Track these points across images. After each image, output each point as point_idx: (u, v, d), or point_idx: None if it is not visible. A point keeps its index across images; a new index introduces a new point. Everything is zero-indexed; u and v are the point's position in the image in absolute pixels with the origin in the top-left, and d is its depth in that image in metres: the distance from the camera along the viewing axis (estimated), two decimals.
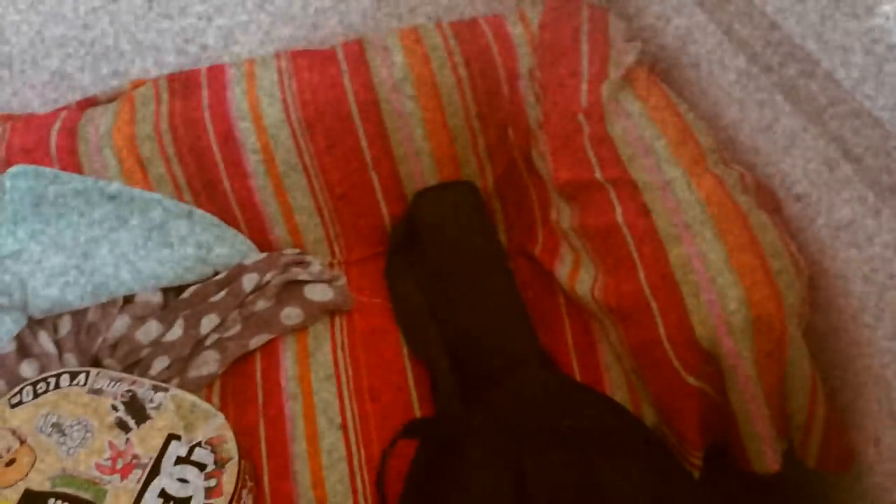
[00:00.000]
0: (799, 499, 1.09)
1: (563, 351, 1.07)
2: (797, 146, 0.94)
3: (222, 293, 1.17)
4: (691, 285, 0.88)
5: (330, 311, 1.17)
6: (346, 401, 1.04)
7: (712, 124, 1.11)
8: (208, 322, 1.12)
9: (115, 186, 1.19)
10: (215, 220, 1.22)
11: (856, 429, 0.95)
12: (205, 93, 1.22)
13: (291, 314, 1.14)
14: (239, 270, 1.19)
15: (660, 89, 1.12)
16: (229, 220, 1.24)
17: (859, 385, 0.92)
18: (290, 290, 1.17)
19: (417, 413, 1.03)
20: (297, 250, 1.25)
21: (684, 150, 0.99)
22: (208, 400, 1.07)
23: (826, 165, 0.89)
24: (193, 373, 1.09)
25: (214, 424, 0.97)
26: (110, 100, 1.30)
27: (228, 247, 1.22)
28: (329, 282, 1.20)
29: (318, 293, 1.17)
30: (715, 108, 1.11)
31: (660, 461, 0.95)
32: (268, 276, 1.18)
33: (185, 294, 1.17)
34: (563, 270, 1.08)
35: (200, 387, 1.09)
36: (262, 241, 1.25)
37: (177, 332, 1.12)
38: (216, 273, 1.20)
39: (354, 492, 0.97)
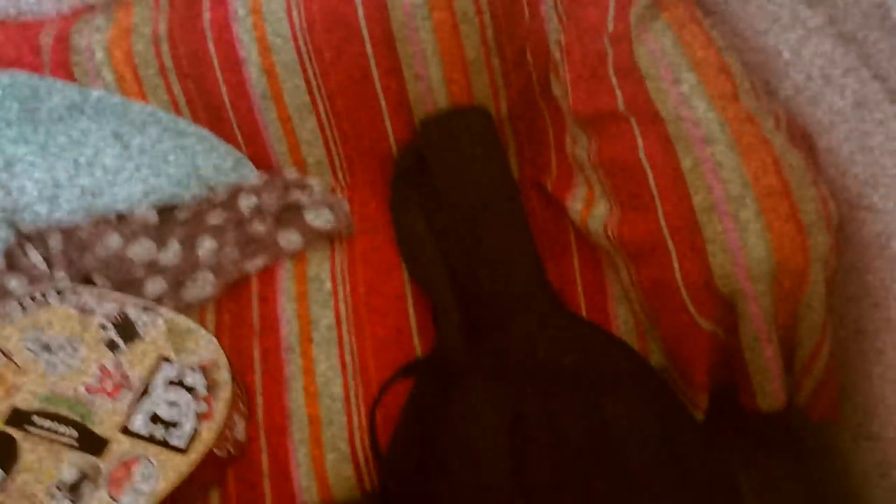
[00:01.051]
0: (797, 444, 1.07)
1: (571, 287, 1.03)
2: (835, 82, 0.88)
3: (220, 215, 1.12)
4: (714, 228, 0.84)
5: (330, 237, 1.12)
6: (344, 329, 1.01)
7: (747, 55, 1.04)
8: (205, 245, 1.08)
9: (109, 99, 1.14)
10: (213, 137, 1.17)
11: (860, 379, 0.93)
12: (206, 3, 1.16)
13: (290, 238, 1.10)
14: (237, 191, 1.14)
15: (693, 15, 1.04)
16: (228, 137, 1.18)
17: (877, 338, 0.88)
18: (290, 213, 1.13)
19: (417, 345, 1.00)
20: (298, 172, 1.20)
21: (716, 83, 0.92)
22: (202, 323, 1.04)
23: (864, 105, 0.83)
24: (188, 295, 1.06)
25: (207, 348, 0.94)
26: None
27: (226, 166, 1.16)
28: (330, 206, 1.15)
29: (319, 218, 1.12)
30: (752, 36, 1.04)
31: (665, 402, 0.93)
32: (267, 199, 1.13)
33: (180, 213, 1.13)
34: (575, 204, 1.04)
35: (195, 309, 1.06)
36: (261, 160, 1.20)
37: (172, 253, 1.08)
38: (213, 193, 1.15)
39: (350, 422, 0.94)
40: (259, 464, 0.93)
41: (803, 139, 0.94)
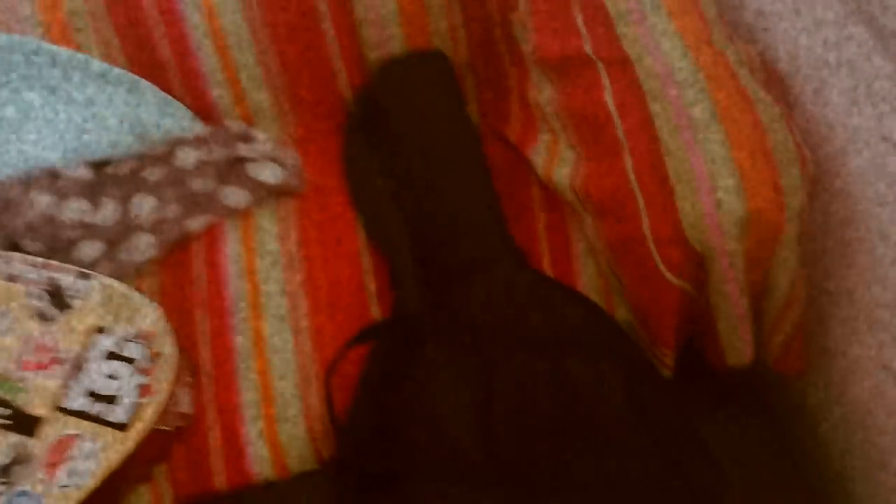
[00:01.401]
0: (764, 400, 1.05)
1: (535, 243, 0.99)
2: (807, 15, 0.83)
3: (159, 171, 1.04)
4: (685, 180, 0.79)
5: (279, 194, 1.05)
6: (297, 293, 0.95)
7: None
8: (143, 203, 1.01)
9: (36, 44, 1.04)
10: (150, 86, 1.08)
11: (827, 336, 0.91)
12: None
13: (235, 195, 1.03)
14: (176, 144, 1.06)
15: None
16: (166, 86, 1.09)
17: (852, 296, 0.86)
18: (235, 168, 1.05)
19: (375, 307, 0.95)
20: (243, 124, 1.12)
21: (687, 23, 0.86)
22: (141, 289, 0.97)
23: (843, 43, 0.78)
24: (125, 257, 0.98)
25: (148, 316, 0.88)
26: None
27: (165, 117, 1.08)
28: (278, 160, 1.08)
29: (266, 173, 1.05)
30: None
31: (631, 360, 0.91)
32: (209, 152, 1.05)
33: (117, 170, 1.04)
34: (539, 156, 0.98)
35: (133, 274, 0.98)
36: (203, 111, 1.12)
37: (108, 213, 1.00)
38: (151, 147, 1.07)
39: (304, 392, 0.89)
40: (207, 438, 0.88)
41: (777, 84, 0.89)
